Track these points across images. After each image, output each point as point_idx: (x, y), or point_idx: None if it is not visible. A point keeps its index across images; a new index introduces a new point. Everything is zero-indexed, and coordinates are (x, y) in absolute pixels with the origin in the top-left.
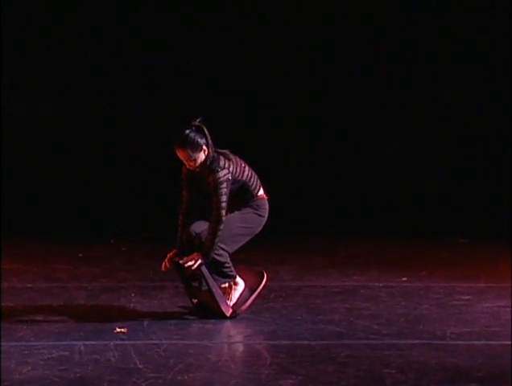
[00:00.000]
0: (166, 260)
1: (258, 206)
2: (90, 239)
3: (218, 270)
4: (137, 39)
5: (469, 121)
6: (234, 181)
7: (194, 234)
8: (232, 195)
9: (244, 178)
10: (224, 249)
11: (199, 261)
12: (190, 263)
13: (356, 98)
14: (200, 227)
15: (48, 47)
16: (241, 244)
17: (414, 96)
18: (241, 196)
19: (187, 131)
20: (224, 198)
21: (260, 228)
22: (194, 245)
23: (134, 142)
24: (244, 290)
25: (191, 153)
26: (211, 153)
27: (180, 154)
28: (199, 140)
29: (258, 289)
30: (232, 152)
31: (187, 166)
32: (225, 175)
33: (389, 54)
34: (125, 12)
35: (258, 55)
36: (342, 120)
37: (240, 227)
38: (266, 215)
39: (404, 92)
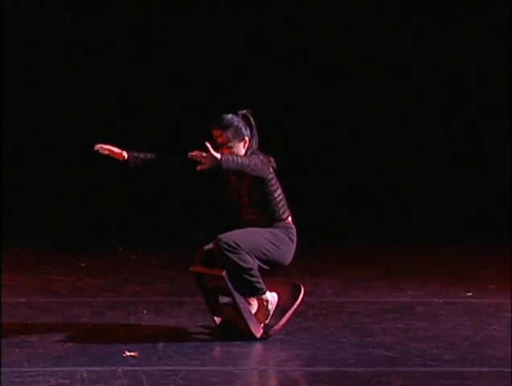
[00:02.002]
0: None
1: (287, 227)
2: (94, 246)
3: (242, 282)
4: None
5: None
6: (266, 185)
7: (206, 250)
8: (257, 210)
9: (274, 194)
10: (247, 254)
11: (217, 155)
12: (203, 154)
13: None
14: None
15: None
16: (264, 261)
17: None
18: (267, 216)
19: (232, 115)
20: (259, 164)
21: (289, 258)
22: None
23: (147, 145)
24: (277, 307)
25: (230, 137)
26: (252, 149)
27: (218, 137)
28: (243, 128)
29: (294, 306)
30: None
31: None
32: (265, 162)
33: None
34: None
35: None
36: (391, 125)
37: (267, 240)
38: (295, 243)
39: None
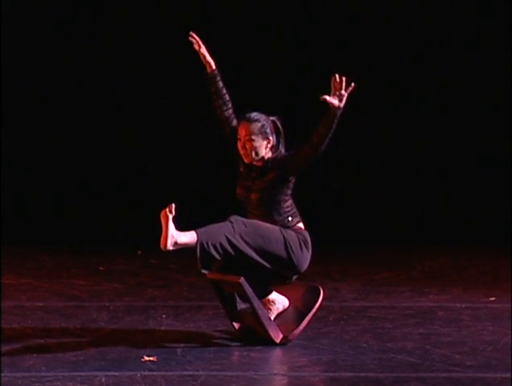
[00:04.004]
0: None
1: (297, 231)
2: (113, 250)
3: (210, 229)
4: None
5: None
6: (284, 188)
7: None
8: (262, 211)
9: (283, 204)
10: (242, 242)
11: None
12: (344, 88)
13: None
14: None
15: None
16: (271, 253)
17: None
18: (271, 221)
19: (262, 114)
20: None
21: (302, 263)
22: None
23: (169, 143)
24: (287, 310)
25: (256, 131)
26: (276, 153)
27: (243, 128)
28: (269, 128)
29: (314, 310)
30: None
31: (241, 149)
32: None
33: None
34: None
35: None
36: (414, 127)
37: (280, 233)
38: (309, 249)
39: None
